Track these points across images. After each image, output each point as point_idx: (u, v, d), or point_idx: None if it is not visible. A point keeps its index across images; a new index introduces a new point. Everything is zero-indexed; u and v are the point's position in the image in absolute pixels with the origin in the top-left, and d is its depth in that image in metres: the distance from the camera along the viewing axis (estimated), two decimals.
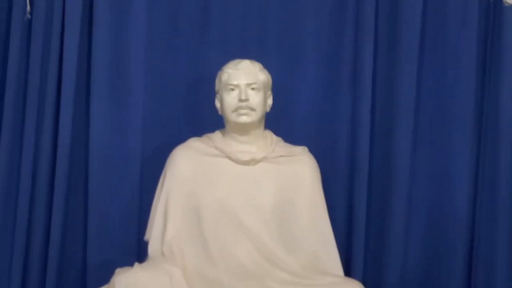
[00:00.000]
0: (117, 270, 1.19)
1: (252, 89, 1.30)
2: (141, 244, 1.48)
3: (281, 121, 1.54)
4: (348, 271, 1.46)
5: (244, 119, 1.29)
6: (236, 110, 1.29)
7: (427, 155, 1.63)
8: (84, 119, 1.65)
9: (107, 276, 1.22)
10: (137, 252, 1.55)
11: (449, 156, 1.61)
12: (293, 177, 1.35)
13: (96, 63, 1.60)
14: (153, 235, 1.33)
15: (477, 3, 1.58)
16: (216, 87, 1.38)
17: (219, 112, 1.37)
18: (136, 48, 1.63)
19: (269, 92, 1.38)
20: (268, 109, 1.38)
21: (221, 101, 1.33)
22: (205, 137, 1.40)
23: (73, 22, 1.58)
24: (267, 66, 1.42)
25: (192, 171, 1.33)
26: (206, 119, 1.56)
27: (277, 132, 1.44)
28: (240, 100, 1.28)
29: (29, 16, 1.58)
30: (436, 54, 1.64)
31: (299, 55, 1.66)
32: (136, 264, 1.23)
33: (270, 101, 1.39)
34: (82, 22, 1.60)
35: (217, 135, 1.38)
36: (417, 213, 1.63)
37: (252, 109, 1.29)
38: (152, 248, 1.32)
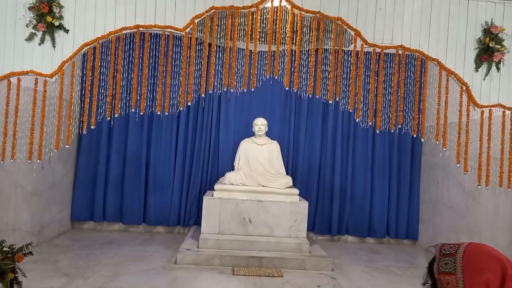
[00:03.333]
0: (227, 173, 5.80)
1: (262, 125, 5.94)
2: None
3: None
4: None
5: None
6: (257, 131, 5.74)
7: None
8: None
9: None
10: None
11: None
12: (271, 148, 5.78)
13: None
14: (235, 165, 5.85)
15: None
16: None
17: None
18: None
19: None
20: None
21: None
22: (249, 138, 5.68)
23: None
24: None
25: (246, 147, 5.78)
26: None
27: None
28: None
29: None
30: None
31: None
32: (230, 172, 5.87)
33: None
34: None
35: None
36: None
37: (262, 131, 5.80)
38: (235, 168, 5.85)
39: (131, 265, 4.76)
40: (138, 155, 6.71)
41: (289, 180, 5.69)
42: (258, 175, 5.71)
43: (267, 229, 5.41)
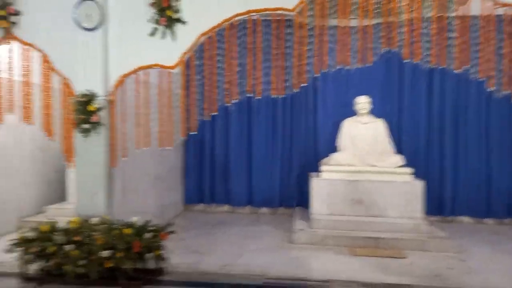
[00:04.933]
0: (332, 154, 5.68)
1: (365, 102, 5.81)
2: None
3: None
4: None
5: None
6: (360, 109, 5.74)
7: None
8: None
9: None
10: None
11: None
12: (376, 126, 5.72)
13: None
14: (339, 145, 5.74)
15: None
16: None
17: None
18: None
19: None
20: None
21: None
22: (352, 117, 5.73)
23: None
24: None
25: (349, 126, 5.64)
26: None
27: None
28: None
29: None
30: None
31: None
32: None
33: None
34: None
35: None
36: None
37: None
38: (339, 148, 5.62)
39: (250, 243, 4.97)
40: (240, 140, 6.93)
41: (400, 159, 5.41)
42: (365, 155, 5.53)
43: (378, 209, 5.23)
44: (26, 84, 4.18)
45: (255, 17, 3.87)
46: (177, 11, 3.91)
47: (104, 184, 3.99)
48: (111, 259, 3.34)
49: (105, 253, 3.32)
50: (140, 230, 3.62)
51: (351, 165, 5.46)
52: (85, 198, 4.02)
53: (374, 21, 3.76)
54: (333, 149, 6.43)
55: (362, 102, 5.70)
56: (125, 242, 3.37)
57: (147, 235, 3.52)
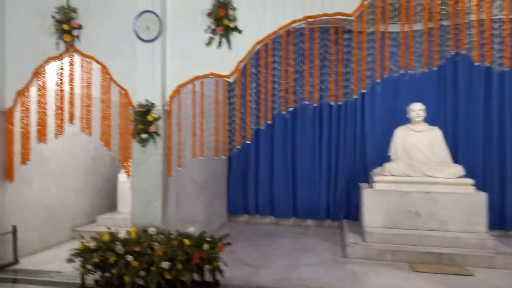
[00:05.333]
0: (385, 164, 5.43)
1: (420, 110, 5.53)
2: None
3: None
4: None
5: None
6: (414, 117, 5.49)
7: None
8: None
9: None
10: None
11: None
12: (432, 135, 5.42)
13: None
14: (391, 154, 5.54)
15: None
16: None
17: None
18: None
19: None
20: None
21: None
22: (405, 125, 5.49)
23: None
24: None
25: (401, 135, 5.47)
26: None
27: None
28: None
29: None
30: None
31: None
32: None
33: None
34: None
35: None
36: None
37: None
38: (392, 158, 5.48)
39: (301, 257, 4.81)
40: (284, 150, 6.82)
41: (459, 169, 5.11)
42: (420, 165, 5.26)
43: (437, 222, 4.94)
44: (87, 96, 4.27)
45: (312, 25, 3.77)
46: (233, 19, 3.89)
47: (161, 193, 3.98)
48: (170, 271, 3.29)
49: (165, 264, 3.27)
50: (197, 241, 3.57)
51: (406, 176, 5.21)
52: (141, 207, 4.02)
53: (440, 24, 3.59)
54: (381, 158, 6.20)
55: (417, 110, 5.45)
56: (185, 253, 3.31)
57: (206, 246, 3.46)
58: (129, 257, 3.32)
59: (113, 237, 3.54)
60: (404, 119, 5.66)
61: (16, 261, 4.50)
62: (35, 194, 4.94)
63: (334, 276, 4.10)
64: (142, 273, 3.30)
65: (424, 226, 4.95)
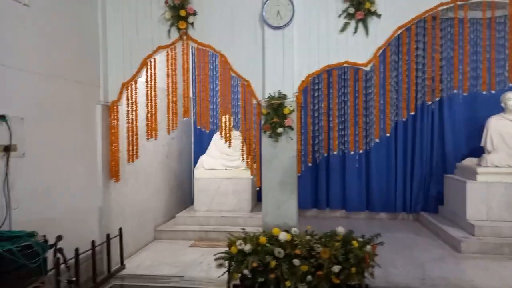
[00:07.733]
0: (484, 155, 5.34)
1: None
2: None
3: None
4: None
5: None
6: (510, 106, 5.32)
7: None
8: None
9: None
10: None
11: None
12: None
13: None
14: (485, 145, 5.39)
15: None
16: None
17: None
18: None
19: None
20: None
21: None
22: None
23: None
24: None
25: (496, 125, 5.32)
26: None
27: None
28: None
29: None
30: None
31: None
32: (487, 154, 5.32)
33: None
34: None
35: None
36: None
37: None
38: (487, 149, 5.38)
39: (412, 253, 4.63)
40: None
41: None
42: None
43: None
44: (203, 87, 3.95)
45: (461, 8, 3.53)
46: (373, 2, 3.61)
47: (296, 192, 3.72)
48: (339, 275, 3.05)
49: (336, 268, 3.03)
50: (345, 241, 3.33)
51: (510, 166, 5.06)
52: (271, 207, 3.76)
53: None
54: (462, 149, 6.10)
55: None
56: (354, 256, 3.07)
57: (368, 248, 3.22)
58: (296, 261, 3.06)
59: (270, 239, 3.26)
60: (486, 108, 5.56)
61: (122, 266, 4.19)
62: (131, 194, 4.61)
63: (470, 273, 3.94)
64: (309, 277, 3.05)
65: None
